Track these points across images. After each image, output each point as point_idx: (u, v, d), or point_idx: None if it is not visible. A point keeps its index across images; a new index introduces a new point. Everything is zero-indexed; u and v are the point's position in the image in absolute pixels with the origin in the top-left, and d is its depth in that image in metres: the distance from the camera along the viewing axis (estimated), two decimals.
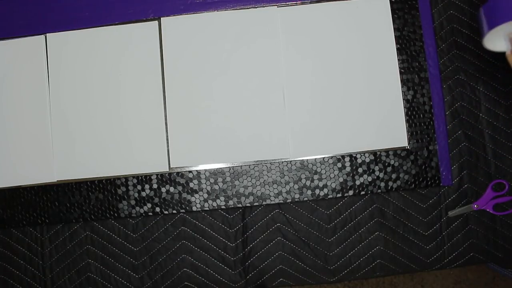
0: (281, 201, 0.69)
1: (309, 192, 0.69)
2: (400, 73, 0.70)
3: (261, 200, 0.69)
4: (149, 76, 0.71)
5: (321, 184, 0.69)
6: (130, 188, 0.70)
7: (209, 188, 0.69)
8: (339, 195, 0.68)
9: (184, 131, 0.70)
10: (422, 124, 0.69)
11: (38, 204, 0.70)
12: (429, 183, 0.68)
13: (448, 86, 0.71)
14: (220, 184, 0.69)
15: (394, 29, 0.70)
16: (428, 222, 0.69)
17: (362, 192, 0.68)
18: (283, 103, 0.70)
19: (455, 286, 1.18)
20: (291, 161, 0.69)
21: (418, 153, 0.69)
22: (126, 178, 0.70)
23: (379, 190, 0.68)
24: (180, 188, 0.69)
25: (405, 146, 0.69)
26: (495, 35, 0.47)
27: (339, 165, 0.69)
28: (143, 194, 0.69)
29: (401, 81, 0.70)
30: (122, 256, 0.70)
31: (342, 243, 0.69)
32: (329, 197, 0.68)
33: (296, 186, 0.69)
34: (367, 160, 0.69)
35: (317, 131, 0.69)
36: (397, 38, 0.70)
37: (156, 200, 0.69)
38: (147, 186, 0.69)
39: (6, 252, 0.71)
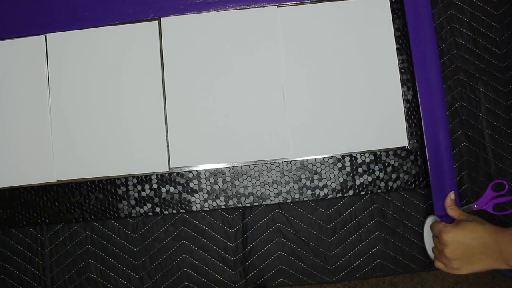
0: (281, 201, 0.69)
1: (309, 192, 0.69)
2: (400, 73, 0.70)
3: (261, 200, 0.69)
4: (149, 76, 0.71)
5: (321, 184, 0.69)
6: (130, 188, 0.70)
7: (209, 188, 0.69)
8: (339, 195, 0.68)
9: (184, 131, 0.70)
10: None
11: (38, 204, 0.70)
12: (429, 183, 0.68)
13: (448, 86, 0.71)
14: (220, 184, 0.69)
15: (394, 29, 0.70)
16: None
17: (362, 192, 0.68)
18: (283, 103, 0.70)
19: (455, 286, 1.18)
20: (291, 161, 0.69)
21: (418, 153, 0.69)
22: (126, 178, 0.70)
23: (379, 190, 0.68)
24: (180, 188, 0.69)
25: (405, 146, 0.69)
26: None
27: (339, 165, 0.69)
28: (143, 194, 0.69)
29: (401, 81, 0.70)
30: (122, 256, 0.70)
31: (342, 243, 0.69)
32: (329, 197, 0.68)
33: (296, 186, 0.69)
34: (367, 160, 0.69)
35: (317, 131, 0.69)
36: (397, 38, 0.70)
37: (156, 200, 0.69)
38: (147, 186, 0.69)
39: (6, 252, 0.71)
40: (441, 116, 0.68)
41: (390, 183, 0.69)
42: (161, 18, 0.71)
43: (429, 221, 0.66)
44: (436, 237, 0.60)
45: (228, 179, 0.69)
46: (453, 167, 0.68)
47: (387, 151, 0.69)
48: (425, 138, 0.68)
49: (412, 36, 0.69)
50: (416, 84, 0.69)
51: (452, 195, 0.65)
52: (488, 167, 0.70)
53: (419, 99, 0.68)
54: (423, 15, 0.70)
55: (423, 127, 0.68)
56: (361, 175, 0.69)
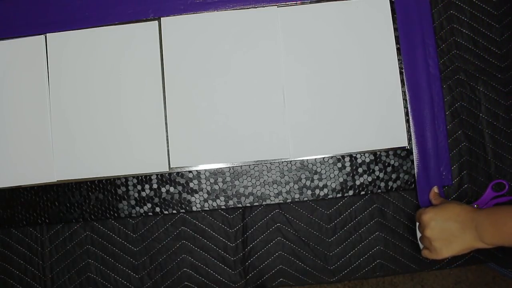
0: (281, 201, 0.69)
1: (309, 192, 0.69)
2: (400, 73, 0.70)
3: (261, 200, 0.69)
4: (149, 76, 0.71)
5: (321, 184, 0.69)
6: (130, 188, 0.70)
7: (209, 188, 0.69)
8: (339, 195, 0.68)
9: (184, 131, 0.70)
10: None
11: (38, 204, 0.70)
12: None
13: (448, 86, 0.71)
14: (220, 184, 0.69)
15: (394, 29, 0.70)
16: None
17: (362, 192, 0.68)
18: (283, 103, 0.70)
19: (455, 286, 1.19)
20: (291, 161, 0.69)
21: None
22: (126, 178, 0.70)
23: (379, 190, 0.68)
24: (180, 188, 0.69)
25: (405, 146, 0.69)
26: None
27: (339, 165, 0.69)
28: (143, 194, 0.69)
29: (401, 81, 0.70)
30: (122, 256, 0.70)
31: (342, 243, 0.69)
32: (329, 197, 0.69)
33: (296, 186, 0.69)
34: (367, 160, 0.69)
35: (317, 131, 0.69)
36: (397, 38, 0.70)
37: (156, 200, 0.69)
38: (147, 186, 0.69)
39: (6, 252, 0.71)
40: (429, 114, 0.68)
41: (390, 183, 0.69)
42: (161, 18, 0.71)
43: None
44: (419, 222, 0.62)
45: (228, 179, 0.69)
46: (447, 165, 0.68)
47: (387, 151, 0.69)
48: (412, 134, 0.68)
49: (402, 36, 0.70)
50: (405, 83, 0.69)
51: (435, 188, 0.67)
52: (488, 167, 0.70)
53: (407, 99, 0.69)
54: (414, 15, 0.70)
55: (410, 123, 0.68)
56: (361, 175, 0.69)
